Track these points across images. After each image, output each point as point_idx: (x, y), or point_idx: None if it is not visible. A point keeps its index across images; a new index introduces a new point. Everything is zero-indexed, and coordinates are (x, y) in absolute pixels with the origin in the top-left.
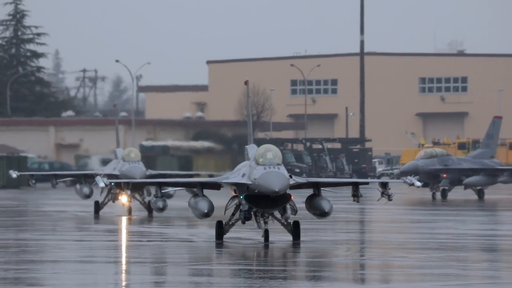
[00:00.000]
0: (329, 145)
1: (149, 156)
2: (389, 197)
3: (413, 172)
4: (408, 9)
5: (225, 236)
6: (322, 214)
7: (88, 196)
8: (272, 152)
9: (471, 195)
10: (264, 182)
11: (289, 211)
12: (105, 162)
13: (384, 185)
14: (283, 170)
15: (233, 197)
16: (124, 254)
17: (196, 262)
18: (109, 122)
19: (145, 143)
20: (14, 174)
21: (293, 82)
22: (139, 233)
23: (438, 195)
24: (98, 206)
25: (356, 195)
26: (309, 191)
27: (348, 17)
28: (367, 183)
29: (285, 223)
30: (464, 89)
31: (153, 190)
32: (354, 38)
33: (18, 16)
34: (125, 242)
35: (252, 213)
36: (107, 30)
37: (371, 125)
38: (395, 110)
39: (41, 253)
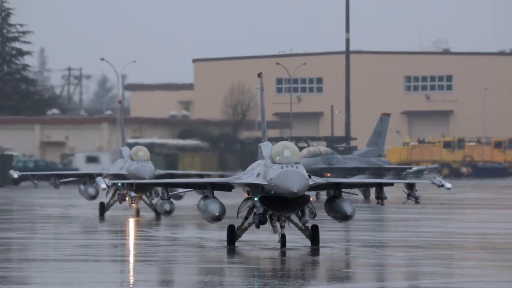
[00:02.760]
0: (315, 144)
1: None
2: (416, 199)
3: None
4: (394, 8)
5: (237, 240)
6: (343, 217)
7: (93, 197)
8: (289, 149)
9: (359, 194)
10: (281, 182)
11: (307, 215)
12: (90, 159)
13: (410, 186)
14: (301, 169)
15: (246, 199)
16: (120, 254)
17: (204, 268)
18: (94, 120)
19: (130, 141)
20: (15, 174)
21: (279, 81)
22: (143, 235)
23: (323, 194)
24: (103, 208)
25: (380, 197)
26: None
27: (334, 16)
28: (391, 184)
29: (303, 227)
30: (449, 87)
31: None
32: (339, 37)
33: (3, 14)
34: (125, 243)
35: (267, 216)
36: (92, 29)
37: (357, 124)
38: (381, 108)
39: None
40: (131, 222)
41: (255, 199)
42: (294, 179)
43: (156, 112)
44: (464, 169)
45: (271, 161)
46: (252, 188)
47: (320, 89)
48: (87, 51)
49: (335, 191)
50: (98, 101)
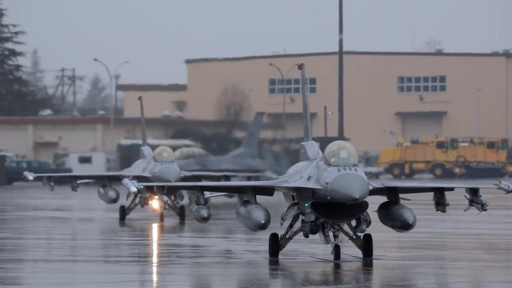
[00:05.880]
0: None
1: (127, 155)
2: (483, 206)
3: None
4: (387, 8)
5: (281, 251)
6: (404, 226)
7: (114, 201)
8: (346, 150)
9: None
10: (340, 187)
11: (364, 223)
12: (83, 160)
13: (474, 192)
14: (361, 172)
15: (292, 205)
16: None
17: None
18: (88, 121)
19: (123, 142)
20: (30, 176)
21: (272, 81)
22: (168, 244)
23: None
24: (124, 212)
25: (441, 203)
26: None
27: (327, 16)
28: (452, 189)
29: (354, 236)
30: (443, 88)
31: (185, 194)
32: (332, 37)
33: None
34: (148, 249)
35: (319, 224)
36: (85, 29)
37: (350, 124)
38: (374, 109)
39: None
40: (154, 227)
41: (306, 205)
42: (355, 183)
43: (150, 112)
44: (457, 170)
45: (325, 162)
46: (300, 193)
47: (313, 90)
48: (80, 51)
49: (391, 196)
50: (91, 101)
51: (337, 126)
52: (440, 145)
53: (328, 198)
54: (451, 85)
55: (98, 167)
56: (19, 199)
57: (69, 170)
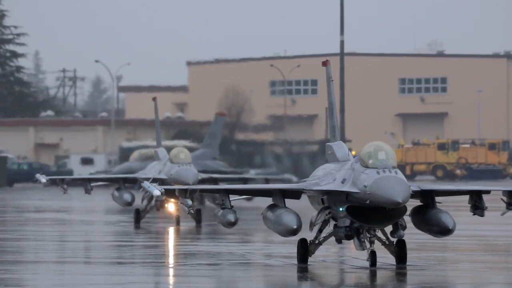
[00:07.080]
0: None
1: (128, 156)
2: None
3: (127, 173)
4: (388, 10)
5: (310, 258)
6: (443, 231)
7: (129, 204)
8: (384, 151)
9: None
10: (381, 190)
11: (401, 228)
12: (84, 161)
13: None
14: (401, 175)
15: (323, 209)
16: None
17: None
18: (89, 122)
19: (124, 143)
20: (43, 178)
21: (273, 83)
22: (184, 251)
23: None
24: (139, 215)
25: (479, 207)
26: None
27: (328, 17)
28: (488, 192)
29: (387, 242)
30: (444, 89)
31: (196, 197)
32: (334, 39)
33: None
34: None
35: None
36: (86, 31)
37: (351, 126)
38: (375, 110)
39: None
40: (171, 230)
41: (341, 209)
42: (396, 186)
43: (151, 114)
44: (458, 171)
45: (362, 164)
46: (333, 197)
47: (314, 91)
48: (81, 53)
49: (426, 200)
50: (92, 102)
51: (339, 127)
52: (441, 147)
53: (367, 202)
54: (452, 86)
55: (99, 169)
56: (20, 201)
57: (71, 172)
